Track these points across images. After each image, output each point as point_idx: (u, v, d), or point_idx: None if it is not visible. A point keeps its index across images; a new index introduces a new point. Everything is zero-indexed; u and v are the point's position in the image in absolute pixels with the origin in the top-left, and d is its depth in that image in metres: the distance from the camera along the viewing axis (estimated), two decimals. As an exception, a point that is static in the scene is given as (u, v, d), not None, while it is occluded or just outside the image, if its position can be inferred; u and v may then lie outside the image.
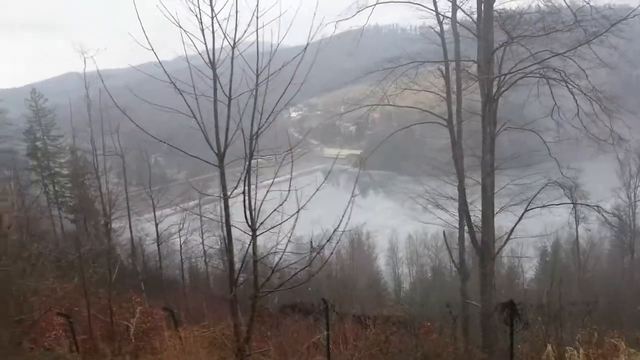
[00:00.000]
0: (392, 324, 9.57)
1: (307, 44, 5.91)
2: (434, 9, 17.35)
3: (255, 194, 6.06)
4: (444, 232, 20.85)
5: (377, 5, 15.62)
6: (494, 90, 16.26)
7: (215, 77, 5.91)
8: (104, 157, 35.78)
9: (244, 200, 6.06)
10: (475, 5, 15.40)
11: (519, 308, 7.05)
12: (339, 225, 5.98)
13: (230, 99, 5.92)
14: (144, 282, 22.38)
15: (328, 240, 6.38)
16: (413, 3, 17.45)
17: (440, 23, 17.23)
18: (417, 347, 8.72)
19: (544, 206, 16.80)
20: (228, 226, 6.29)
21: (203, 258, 42.05)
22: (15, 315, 7.59)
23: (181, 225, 30.76)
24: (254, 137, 6.09)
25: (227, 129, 6.02)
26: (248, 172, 6.15)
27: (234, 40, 5.81)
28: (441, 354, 9.69)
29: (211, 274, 43.40)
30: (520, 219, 17.15)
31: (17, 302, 7.83)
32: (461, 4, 17.14)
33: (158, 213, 32.10)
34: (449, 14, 16.75)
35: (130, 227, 25.54)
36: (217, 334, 6.71)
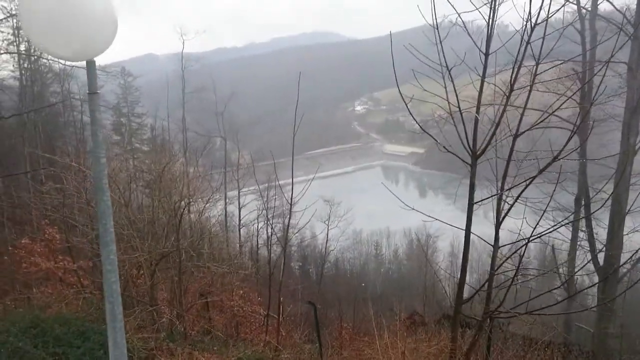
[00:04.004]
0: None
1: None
2: (575, 1, 15.99)
3: (500, 197, 5.30)
4: (552, 245, 19.42)
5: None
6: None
7: (486, 64, 5.17)
8: (184, 135, 36.49)
9: (498, 205, 5.32)
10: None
11: None
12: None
13: (511, 90, 5.16)
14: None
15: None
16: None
17: (581, 18, 15.88)
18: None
19: (686, 229, 15.12)
20: (468, 233, 5.60)
21: (267, 246, 42.27)
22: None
23: (260, 211, 30.53)
24: (518, 136, 5.31)
25: (497, 125, 5.25)
26: (505, 175, 5.38)
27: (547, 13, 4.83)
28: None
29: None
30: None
31: (179, 284, 7.58)
32: (607, -5, 15.70)
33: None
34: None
35: (225, 208, 25.67)
36: (435, 349, 6.13)
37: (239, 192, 27.50)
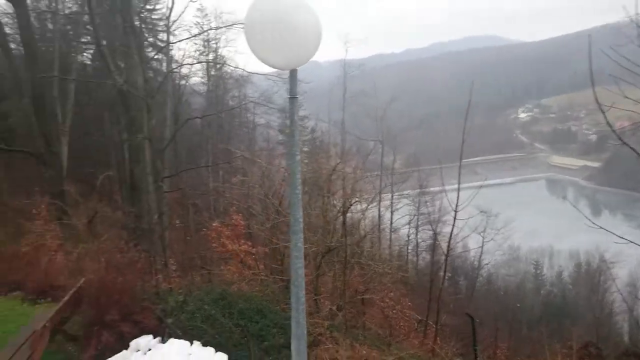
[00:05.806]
0: None
1: None
2: None
3: None
4: None
5: None
6: None
7: None
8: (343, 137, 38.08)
9: None
10: None
11: None
12: None
13: None
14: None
15: None
16: None
17: None
18: None
19: None
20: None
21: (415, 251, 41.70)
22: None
23: (412, 217, 30.40)
24: None
25: None
26: None
27: None
28: None
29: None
30: None
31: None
32: None
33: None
34: None
35: (379, 211, 26.37)
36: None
37: (392, 196, 27.72)
